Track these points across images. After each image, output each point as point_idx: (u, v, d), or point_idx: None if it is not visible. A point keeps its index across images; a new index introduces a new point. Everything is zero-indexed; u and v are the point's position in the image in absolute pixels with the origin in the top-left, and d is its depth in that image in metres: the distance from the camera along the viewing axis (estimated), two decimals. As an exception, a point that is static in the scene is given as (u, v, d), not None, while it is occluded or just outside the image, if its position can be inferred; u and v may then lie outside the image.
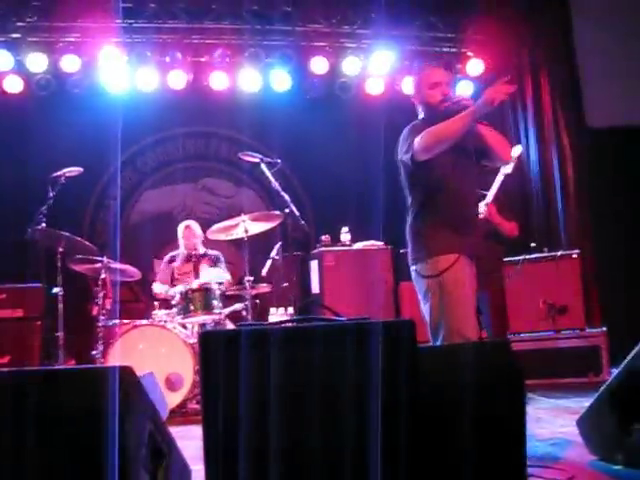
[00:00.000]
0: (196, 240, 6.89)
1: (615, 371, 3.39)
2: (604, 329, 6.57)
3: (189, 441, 3.84)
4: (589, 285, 6.81)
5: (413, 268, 3.82)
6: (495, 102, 3.49)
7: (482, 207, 5.44)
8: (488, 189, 5.50)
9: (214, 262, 6.90)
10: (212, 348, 2.23)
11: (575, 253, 6.84)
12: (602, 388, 3.40)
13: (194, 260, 6.89)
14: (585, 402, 3.57)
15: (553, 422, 4.77)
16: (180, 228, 7.04)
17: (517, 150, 5.52)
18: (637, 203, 7.38)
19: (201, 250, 6.90)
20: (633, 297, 7.06)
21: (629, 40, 7.57)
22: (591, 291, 6.82)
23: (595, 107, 7.72)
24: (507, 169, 5.48)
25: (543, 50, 8.04)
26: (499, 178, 5.52)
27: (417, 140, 3.63)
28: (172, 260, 7.01)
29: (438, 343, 3.60)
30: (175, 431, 3.23)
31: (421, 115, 3.96)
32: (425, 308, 3.73)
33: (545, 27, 7.86)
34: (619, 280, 7.16)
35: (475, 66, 8.17)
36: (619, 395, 3.25)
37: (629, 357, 3.21)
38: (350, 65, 8.03)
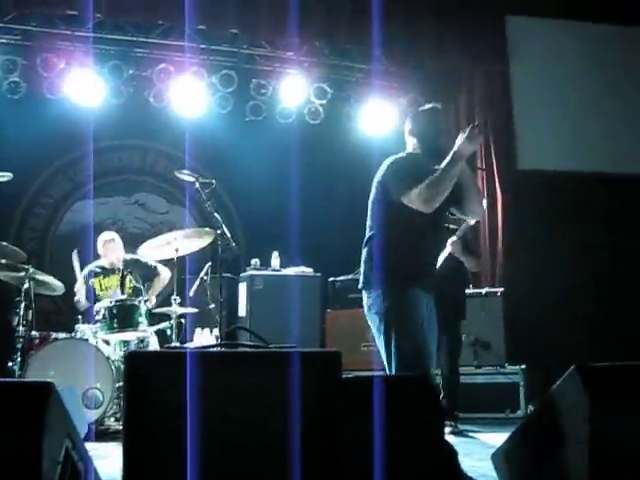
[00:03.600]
0: (119, 254, 6.68)
1: (532, 408, 3.47)
2: (523, 367, 6.74)
3: (106, 460, 3.79)
4: (511, 323, 6.97)
5: (364, 296, 3.87)
6: (474, 142, 3.60)
7: (449, 243, 5.65)
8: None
9: (140, 269, 6.72)
10: (137, 368, 2.21)
11: (499, 291, 7.04)
12: (518, 424, 3.48)
13: (118, 273, 6.56)
14: (501, 437, 3.64)
15: (469, 455, 4.84)
16: (101, 240, 6.73)
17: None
18: (560, 244, 7.60)
19: (122, 263, 6.61)
20: (553, 336, 7.25)
21: (562, 88, 7.86)
22: (513, 329, 6.98)
23: (525, 150, 7.96)
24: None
25: (480, 92, 8.26)
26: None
27: (417, 192, 3.61)
28: (91, 275, 6.81)
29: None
30: (92, 448, 3.18)
31: (410, 149, 4.00)
32: (378, 341, 3.72)
33: (483, 71, 8.09)
34: (540, 319, 7.34)
35: (415, 102, 8.32)
36: (533, 432, 3.32)
37: (546, 395, 3.30)
38: (292, 91, 8.09)
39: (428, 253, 3.89)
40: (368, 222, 3.96)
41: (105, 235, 6.81)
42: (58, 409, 2.37)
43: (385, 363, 3.69)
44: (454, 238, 5.76)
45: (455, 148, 3.62)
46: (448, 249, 5.74)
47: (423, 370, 3.57)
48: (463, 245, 5.86)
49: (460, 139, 3.61)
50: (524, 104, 7.96)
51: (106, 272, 6.73)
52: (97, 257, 6.86)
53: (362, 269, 3.92)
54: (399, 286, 3.67)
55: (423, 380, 2.96)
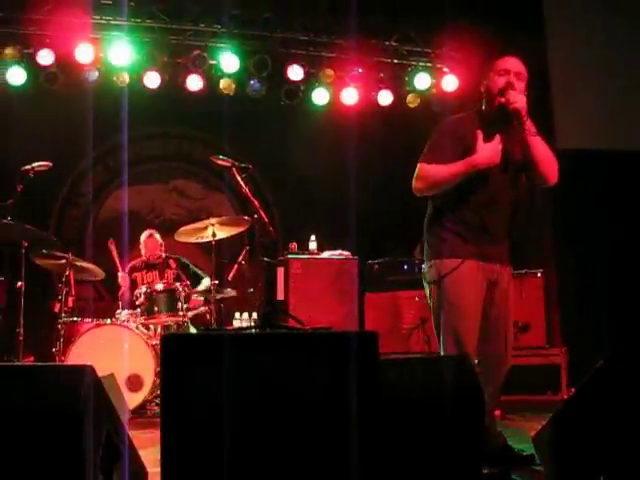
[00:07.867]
0: (158, 249, 6.92)
1: (574, 390, 3.42)
2: (564, 348, 6.66)
3: (148, 443, 3.82)
4: (552, 304, 6.89)
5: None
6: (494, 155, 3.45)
7: None
8: None
9: (181, 266, 6.90)
10: (173, 351, 2.22)
11: (539, 272, 6.94)
12: (560, 406, 3.43)
13: (159, 267, 6.91)
14: (542, 419, 3.60)
15: (510, 438, 4.80)
16: (143, 237, 7.04)
17: None
18: (601, 225, 7.48)
19: (162, 256, 6.94)
20: (594, 317, 7.15)
21: (602, 64, 7.69)
22: (553, 310, 6.90)
23: (565, 128, 7.82)
24: None
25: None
26: None
27: (421, 172, 3.51)
28: (133, 270, 6.98)
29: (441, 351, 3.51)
30: (134, 433, 3.21)
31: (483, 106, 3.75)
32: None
33: (519, 47, 7.93)
34: (581, 300, 7.24)
35: (450, 82, 8.23)
36: (575, 414, 3.28)
37: (588, 376, 3.25)
38: (326, 74, 8.05)
39: (485, 221, 3.63)
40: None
41: (145, 232, 7.10)
42: (98, 392, 2.39)
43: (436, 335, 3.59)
44: None
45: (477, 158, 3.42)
46: None
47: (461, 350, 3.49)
48: None
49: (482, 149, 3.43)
50: (562, 82, 7.81)
51: (148, 267, 6.90)
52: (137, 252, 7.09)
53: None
54: (450, 257, 3.49)
55: (462, 360, 2.93)
